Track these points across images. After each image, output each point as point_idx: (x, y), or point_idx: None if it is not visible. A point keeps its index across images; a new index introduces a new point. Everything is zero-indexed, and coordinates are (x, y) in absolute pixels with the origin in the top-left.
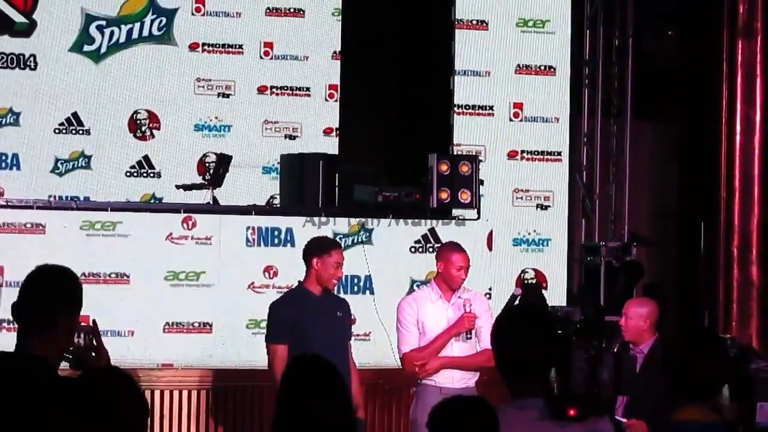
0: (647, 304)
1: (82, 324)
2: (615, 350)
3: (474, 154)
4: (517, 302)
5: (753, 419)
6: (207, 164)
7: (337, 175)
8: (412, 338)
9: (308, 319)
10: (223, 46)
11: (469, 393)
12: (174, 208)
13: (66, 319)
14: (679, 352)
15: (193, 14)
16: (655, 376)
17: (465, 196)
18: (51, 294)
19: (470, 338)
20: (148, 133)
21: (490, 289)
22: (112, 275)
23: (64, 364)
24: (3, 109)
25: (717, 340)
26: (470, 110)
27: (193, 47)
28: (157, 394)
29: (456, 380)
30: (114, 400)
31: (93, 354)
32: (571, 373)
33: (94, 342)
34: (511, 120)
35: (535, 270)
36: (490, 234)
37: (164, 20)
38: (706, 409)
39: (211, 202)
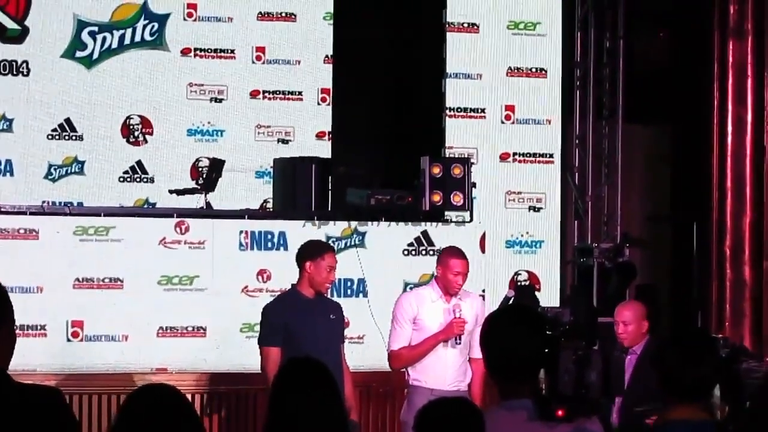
0: (640, 307)
1: None
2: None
3: (466, 156)
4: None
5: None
6: (200, 169)
7: (329, 178)
8: (404, 336)
9: (301, 323)
10: (215, 50)
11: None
12: (167, 213)
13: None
14: (670, 354)
15: (185, 19)
16: (648, 378)
17: (457, 199)
18: None
19: (459, 343)
20: (141, 138)
21: (483, 291)
22: (106, 280)
23: None
24: None
25: (708, 341)
26: (462, 113)
27: (185, 52)
28: None
29: (448, 382)
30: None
31: None
32: (559, 374)
33: None
34: (502, 122)
35: (528, 272)
36: (483, 236)
37: (156, 25)
38: (697, 409)
39: (205, 207)
